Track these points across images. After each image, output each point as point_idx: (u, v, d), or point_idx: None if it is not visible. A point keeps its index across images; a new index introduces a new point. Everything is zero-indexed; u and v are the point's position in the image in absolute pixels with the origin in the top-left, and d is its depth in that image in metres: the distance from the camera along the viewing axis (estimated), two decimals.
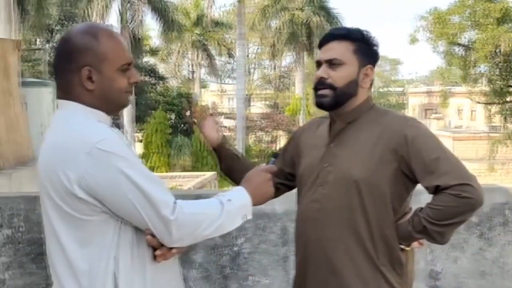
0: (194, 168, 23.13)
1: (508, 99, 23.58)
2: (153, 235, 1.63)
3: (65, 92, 1.71)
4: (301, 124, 27.28)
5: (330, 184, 2.02)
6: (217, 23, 34.62)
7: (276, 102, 42.65)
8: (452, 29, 22.13)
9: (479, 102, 26.46)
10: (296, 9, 28.87)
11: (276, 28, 28.78)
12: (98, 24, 1.84)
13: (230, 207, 1.71)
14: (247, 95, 30.28)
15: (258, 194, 1.81)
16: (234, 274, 3.26)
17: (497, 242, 3.41)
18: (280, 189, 2.24)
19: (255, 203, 1.79)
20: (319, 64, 2.07)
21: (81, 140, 1.59)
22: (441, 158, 1.91)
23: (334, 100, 2.03)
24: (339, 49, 2.02)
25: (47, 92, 7.21)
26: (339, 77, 2.01)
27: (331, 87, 2.02)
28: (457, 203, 1.86)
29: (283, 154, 2.29)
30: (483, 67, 23.43)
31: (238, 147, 21.47)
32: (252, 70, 43.87)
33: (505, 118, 23.77)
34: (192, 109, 2.38)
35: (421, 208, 1.96)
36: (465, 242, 3.36)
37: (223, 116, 31.48)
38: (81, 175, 1.57)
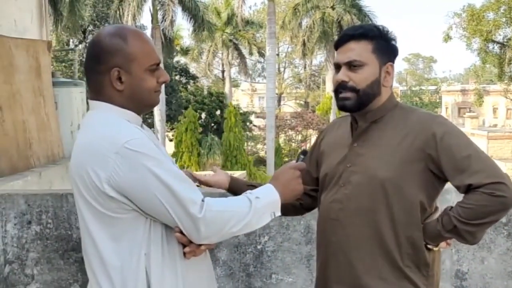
0: (224, 167, 23.25)
1: None
2: (182, 232, 1.66)
3: (96, 93, 1.77)
4: None
5: (353, 185, 1.97)
6: (247, 22, 34.65)
7: (307, 101, 42.56)
8: (487, 26, 21.73)
9: None
10: (327, 7, 28.70)
11: (307, 27, 28.66)
12: (126, 26, 1.88)
13: (258, 204, 1.72)
14: (277, 94, 30.27)
15: (286, 191, 1.82)
16: (258, 272, 3.26)
17: None
18: (313, 197, 2.23)
19: (283, 200, 1.79)
20: (337, 66, 2.00)
21: (110, 140, 1.63)
22: (473, 156, 1.85)
23: (358, 103, 1.96)
24: (357, 50, 1.95)
25: (78, 92, 7.34)
26: (360, 79, 1.95)
27: (353, 90, 1.95)
28: (490, 202, 1.80)
29: (310, 158, 2.24)
30: None
31: (269, 146, 21.50)
32: (282, 69, 43.80)
33: None
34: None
35: (451, 207, 1.90)
36: (492, 242, 3.29)
37: (254, 115, 31.50)
38: (111, 174, 1.61)
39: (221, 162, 23.86)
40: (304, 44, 28.92)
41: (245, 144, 24.33)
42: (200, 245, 1.70)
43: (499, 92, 30.16)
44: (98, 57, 1.73)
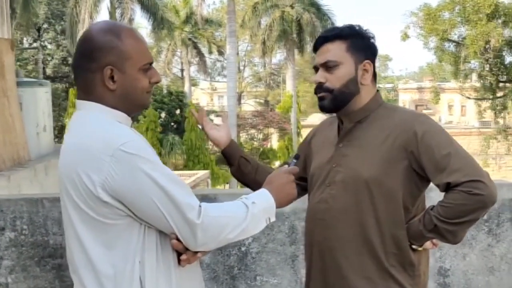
0: (186, 167, 23.06)
1: (498, 94, 23.75)
2: (178, 239, 1.60)
3: (85, 92, 1.68)
4: (292, 121, 27.29)
5: (338, 184, 1.98)
6: (206, 21, 34.51)
7: (267, 100, 42.66)
8: (443, 25, 22.25)
9: (469, 98, 26.65)
10: (287, 6, 28.83)
11: (267, 25, 28.72)
12: (119, 22, 1.79)
13: (255, 210, 1.67)
14: (237, 92, 30.22)
15: (281, 196, 1.77)
16: (242, 274, 3.21)
17: (505, 238, 3.39)
18: (299, 194, 2.19)
19: (278, 205, 1.75)
20: (316, 69, 2.04)
21: (105, 142, 1.55)
22: (452, 154, 1.85)
23: (333, 103, 1.99)
24: (332, 51, 1.98)
25: (43, 92, 7.10)
26: (335, 79, 1.97)
27: (328, 90, 1.98)
28: (468, 200, 1.80)
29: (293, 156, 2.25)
30: (473, 63, 23.58)
31: None
32: (242, 68, 43.80)
33: (495, 113, 23.94)
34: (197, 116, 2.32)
35: (433, 206, 1.91)
36: (474, 239, 3.34)
37: (213, 114, 31.41)
38: (105, 178, 1.53)
39: (183, 161, 23.64)
40: (263, 42, 28.95)
41: (207, 143, 24.17)
42: (196, 252, 1.64)
43: (454, 90, 30.96)
44: (90, 54, 1.64)
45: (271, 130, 26.30)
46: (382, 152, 1.92)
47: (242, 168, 2.29)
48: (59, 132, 24.81)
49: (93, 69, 1.64)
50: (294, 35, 28.51)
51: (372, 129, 1.99)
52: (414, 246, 1.96)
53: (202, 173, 18.61)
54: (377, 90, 2.08)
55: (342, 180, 1.98)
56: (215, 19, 38.07)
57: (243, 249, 3.20)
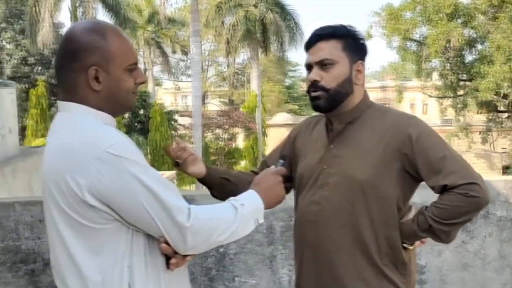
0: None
1: (459, 92, 24.27)
2: (167, 243, 1.56)
3: (68, 93, 1.63)
4: (257, 120, 27.29)
5: (332, 186, 1.97)
6: (169, 20, 34.23)
7: (232, 99, 42.57)
8: (405, 25, 22.57)
9: (431, 96, 27.14)
10: (250, 5, 28.80)
11: (231, 25, 28.62)
12: (103, 21, 1.73)
13: (244, 211, 1.65)
14: (202, 92, 30.08)
15: (269, 197, 1.75)
16: (220, 275, 3.19)
17: (479, 234, 3.46)
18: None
19: (266, 207, 1.74)
20: (309, 67, 2.02)
21: (91, 145, 1.51)
22: (447, 157, 1.89)
23: (329, 102, 1.98)
24: (327, 49, 1.97)
25: (7, 93, 6.87)
26: (331, 78, 1.96)
27: (324, 89, 1.97)
28: (464, 202, 1.85)
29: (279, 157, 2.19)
30: (435, 62, 24.03)
31: (196, 145, 21.27)
32: (206, 67, 43.62)
33: (456, 111, 24.45)
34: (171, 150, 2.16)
35: (426, 207, 1.94)
36: None
37: (178, 114, 31.17)
38: (92, 181, 1.48)
39: (148, 162, 23.33)
40: (228, 42, 28.86)
41: (172, 143, 23.98)
42: (185, 255, 1.61)
43: (416, 89, 31.49)
44: (74, 55, 1.59)
45: (237, 129, 26.24)
46: (376, 154, 1.93)
47: (225, 187, 2.19)
48: (21, 133, 24.23)
49: (77, 69, 1.59)
50: (258, 35, 28.48)
51: (364, 131, 1.99)
52: (405, 245, 1.99)
53: (168, 173, 18.41)
54: (365, 91, 2.09)
55: (335, 182, 1.97)
56: (178, 19, 37.79)
57: (221, 250, 3.17)
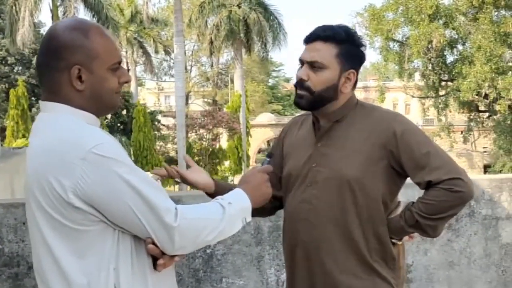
0: None
1: (441, 93, 24.52)
2: (154, 244, 1.54)
3: (50, 92, 1.59)
4: (241, 121, 27.28)
5: (321, 184, 1.99)
6: (152, 20, 34.08)
7: (215, 99, 42.52)
8: (387, 25, 22.78)
9: (413, 96, 27.40)
10: (233, 5, 28.80)
11: (214, 25, 28.58)
12: (86, 20, 1.70)
13: (231, 210, 1.63)
14: (185, 92, 29.98)
15: (256, 195, 1.74)
16: (208, 277, 3.16)
17: (464, 233, 3.48)
18: (281, 197, 2.15)
19: (254, 205, 1.72)
20: (302, 62, 2.02)
21: (75, 145, 1.48)
22: (431, 153, 1.92)
23: (311, 104, 2.00)
24: (322, 52, 1.97)
25: None
26: (318, 81, 1.97)
27: (309, 90, 1.98)
28: (449, 197, 1.89)
29: (274, 158, 2.17)
30: (417, 62, 24.26)
31: (179, 145, 21.20)
32: (189, 68, 43.50)
33: (438, 111, 24.72)
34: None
35: (413, 203, 1.98)
36: None
37: (161, 115, 31.04)
38: (77, 182, 1.45)
39: None
40: (211, 42, 28.83)
41: (155, 144, 23.81)
42: (172, 256, 1.58)
43: (398, 89, 31.74)
44: (56, 54, 1.56)
45: (220, 130, 26.19)
46: (363, 152, 1.95)
47: None
48: (0, 134, 23.92)
49: (59, 68, 1.56)
50: (242, 35, 28.51)
51: (351, 129, 2.01)
52: (393, 240, 2.02)
53: (152, 174, 18.36)
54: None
55: (324, 180, 1.98)
56: (161, 19, 37.65)
57: (208, 251, 3.15)
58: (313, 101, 1.98)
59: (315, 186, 1.99)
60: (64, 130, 1.53)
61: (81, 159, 1.45)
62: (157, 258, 1.58)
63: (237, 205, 1.66)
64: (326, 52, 1.97)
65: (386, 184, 1.97)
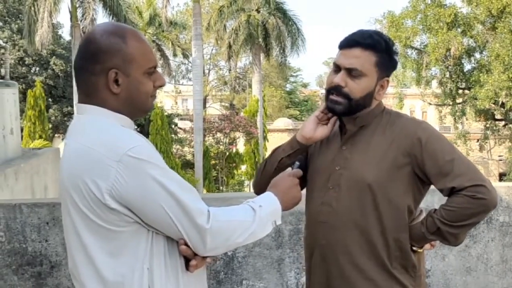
0: None
1: (458, 100, 24.37)
2: (186, 245, 1.58)
3: (87, 95, 1.64)
4: (258, 125, 27.29)
5: (342, 188, 2.00)
6: (171, 23, 34.21)
7: (233, 104, 42.58)
8: (405, 32, 22.71)
9: (431, 104, 27.24)
10: (252, 10, 28.86)
11: (233, 29, 28.67)
12: (123, 24, 1.74)
13: (262, 213, 1.67)
14: (203, 96, 30.09)
15: (286, 199, 1.78)
16: (228, 278, 3.22)
17: (482, 239, 3.50)
18: None
19: (284, 208, 1.76)
20: (337, 67, 2.00)
21: (111, 147, 1.53)
22: (456, 159, 1.92)
23: (348, 110, 1.99)
24: (362, 59, 1.96)
25: (10, 93, 6.81)
26: (357, 89, 1.96)
27: (347, 97, 1.97)
28: (471, 204, 1.88)
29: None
30: (434, 70, 24.15)
31: (197, 149, 21.29)
32: (207, 71, 43.64)
33: (455, 119, 24.56)
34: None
35: (435, 210, 1.98)
36: None
37: (178, 118, 31.13)
38: (113, 184, 1.50)
39: None
40: (229, 46, 28.88)
41: (172, 147, 23.87)
42: (204, 257, 1.63)
43: (416, 96, 31.58)
44: (94, 57, 1.61)
45: (238, 134, 26.22)
46: (387, 157, 1.96)
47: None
48: None
49: (96, 72, 1.61)
50: (260, 40, 28.55)
51: (376, 135, 2.02)
52: (414, 248, 2.02)
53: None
54: None
55: (346, 183, 2.00)
56: (180, 22, 37.81)
57: (229, 253, 3.21)
58: (350, 108, 1.98)
59: (336, 189, 2.01)
60: (100, 132, 1.58)
61: (116, 161, 1.50)
62: (189, 259, 1.62)
63: (267, 208, 1.70)
64: (365, 60, 1.96)
65: (410, 191, 1.97)
